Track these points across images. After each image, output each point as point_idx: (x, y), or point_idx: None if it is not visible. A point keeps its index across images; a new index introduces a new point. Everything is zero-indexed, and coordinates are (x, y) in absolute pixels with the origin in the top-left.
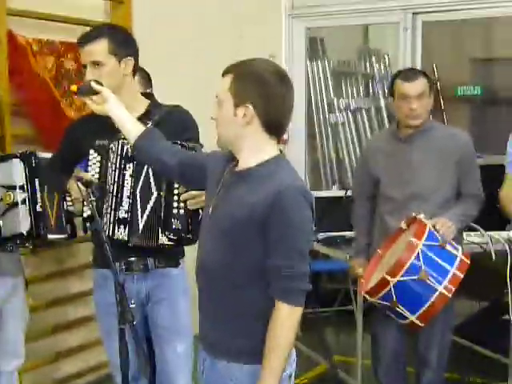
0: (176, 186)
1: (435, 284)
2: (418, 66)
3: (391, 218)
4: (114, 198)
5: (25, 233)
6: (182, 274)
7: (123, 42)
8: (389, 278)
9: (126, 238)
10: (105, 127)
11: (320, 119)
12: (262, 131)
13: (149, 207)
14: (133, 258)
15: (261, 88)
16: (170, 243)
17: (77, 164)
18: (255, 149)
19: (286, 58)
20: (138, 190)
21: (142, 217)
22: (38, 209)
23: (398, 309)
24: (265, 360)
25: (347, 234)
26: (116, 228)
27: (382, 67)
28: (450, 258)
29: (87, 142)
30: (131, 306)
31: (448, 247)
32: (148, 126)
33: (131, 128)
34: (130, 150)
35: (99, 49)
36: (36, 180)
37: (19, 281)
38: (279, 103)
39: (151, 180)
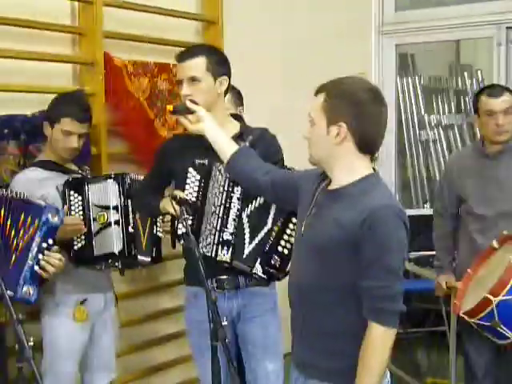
0: (291, 225)
1: None
2: None
3: (481, 237)
4: (220, 220)
5: (117, 253)
6: (272, 292)
7: (219, 61)
8: (491, 297)
9: (228, 260)
10: (204, 147)
11: (410, 136)
12: (355, 150)
13: (259, 236)
14: (224, 276)
15: (354, 106)
16: (262, 276)
17: (168, 183)
18: (348, 167)
19: (375, 74)
20: (245, 215)
21: (250, 243)
22: (130, 230)
23: (499, 329)
24: (358, 381)
25: None
26: (219, 249)
27: (475, 83)
28: None
29: (184, 160)
30: (224, 323)
31: None
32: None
33: (226, 147)
34: None
35: (197, 65)
36: (129, 201)
37: (110, 296)
38: (373, 121)
39: (271, 211)
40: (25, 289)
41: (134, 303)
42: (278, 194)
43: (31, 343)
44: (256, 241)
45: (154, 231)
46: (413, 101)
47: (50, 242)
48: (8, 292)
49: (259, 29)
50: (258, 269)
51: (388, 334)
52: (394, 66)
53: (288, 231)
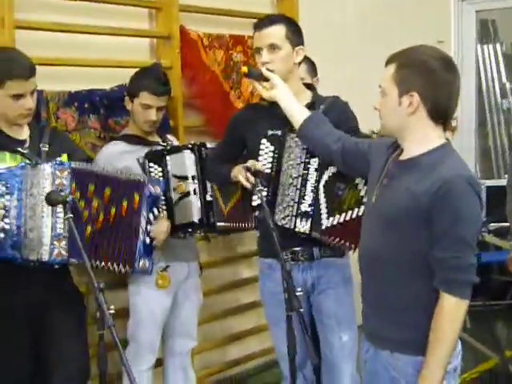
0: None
1: None
2: None
3: None
4: (298, 191)
5: (196, 221)
6: (346, 263)
7: (297, 31)
8: None
9: (307, 231)
10: (277, 117)
11: (492, 105)
12: (427, 120)
13: (345, 214)
14: (298, 248)
15: (426, 76)
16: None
17: (241, 153)
18: (421, 137)
19: (455, 42)
20: (321, 185)
21: (329, 215)
22: (209, 198)
23: None
24: (429, 352)
25: None
26: (298, 221)
27: None
28: None
29: (257, 131)
30: (298, 293)
31: None
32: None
33: (298, 114)
34: None
35: (277, 32)
36: (206, 170)
37: (194, 266)
38: (445, 90)
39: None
40: (141, 263)
41: (213, 273)
42: (347, 161)
43: (112, 311)
44: (342, 218)
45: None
46: (494, 68)
47: (156, 212)
48: (126, 268)
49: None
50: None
51: (460, 305)
52: (473, 33)
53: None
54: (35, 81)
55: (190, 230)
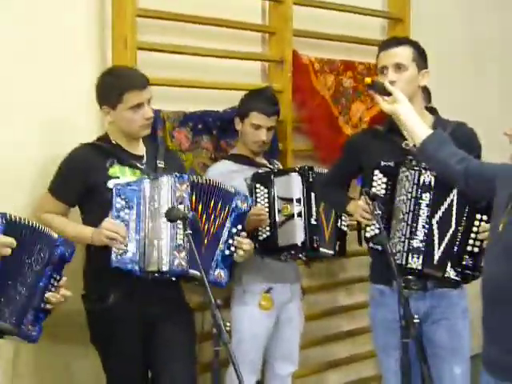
0: (477, 222)
1: None
2: None
3: None
4: (409, 228)
5: (299, 244)
6: (462, 294)
7: (423, 54)
8: None
9: (419, 268)
10: (391, 147)
11: None
12: None
13: (446, 240)
14: (411, 277)
15: None
16: (456, 278)
17: (355, 177)
18: None
19: None
20: (435, 221)
21: (438, 248)
22: (313, 222)
23: None
24: None
25: None
26: (410, 257)
27: None
28: None
29: (371, 157)
30: (416, 320)
31: None
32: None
33: (421, 131)
34: (426, 180)
35: (405, 53)
36: (312, 194)
37: (297, 288)
38: None
39: (453, 212)
40: (217, 272)
41: (314, 298)
42: (470, 184)
43: (228, 328)
44: (443, 244)
45: (339, 224)
46: None
47: (239, 227)
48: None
49: (447, 28)
50: (450, 272)
51: None
52: None
53: (474, 228)
54: (150, 90)
55: (292, 252)
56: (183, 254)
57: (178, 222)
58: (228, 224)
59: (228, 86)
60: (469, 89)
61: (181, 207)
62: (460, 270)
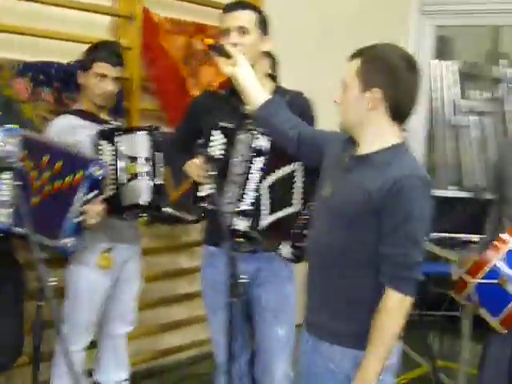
0: None
1: None
2: None
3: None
4: (238, 190)
5: (142, 203)
6: None
7: (265, 21)
8: (468, 277)
9: (246, 230)
10: (232, 111)
11: (441, 120)
12: (387, 117)
13: (281, 213)
14: (242, 239)
15: (390, 73)
16: (289, 257)
17: (196, 140)
18: (378, 134)
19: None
20: (266, 185)
21: (270, 215)
22: (158, 182)
23: (507, 286)
24: (370, 345)
25: (461, 236)
26: (238, 219)
27: None
28: None
29: (211, 120)
30: (243, 280)
31: None
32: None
33: (258, 95)
34: (261, 144)
35: (248, 17)
36: (158, 154)
37: (136, 249)
38: (407, 89)
39: (294, 191)
40: (66, 240)
41: (154, 259)
42: (302, 149)
43: (54, 282)
44: (277, 216)
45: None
46: (447, 85)
47: (93, 193)
48: (47, 241)
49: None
50: (284, 250)
51: (404, 302)
52: (430, 47)
53: None
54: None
55: (136, 211)
56: (7, 210)
57: (4, 176)
58: (81, 191)
59: (75, 38)
60: (312, 62)
61: (9, 160)
62: (295, 251)
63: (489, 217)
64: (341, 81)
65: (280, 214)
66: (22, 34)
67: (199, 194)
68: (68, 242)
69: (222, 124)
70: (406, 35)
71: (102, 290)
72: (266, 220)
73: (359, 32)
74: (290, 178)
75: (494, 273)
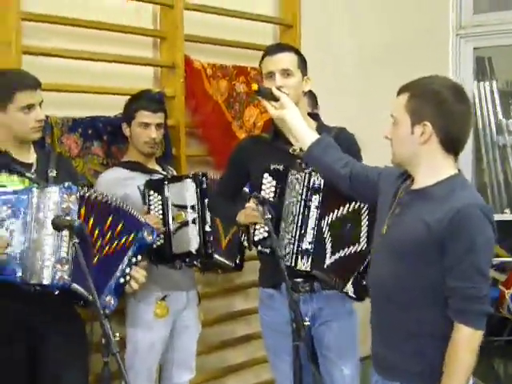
0: None
1: None
2: None
3: None
4: (298, 229)
5: (194, 251)
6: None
7: (305, 61)
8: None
9: (308, 269)
10: (279, 153)
11: (488, 141)
12: (440, 149)
13: (346, 251)
14: (299, 279)
15: (439, 105)
16: (352, 296)
17: (245, 185)
18: (433, 167)
19: (453, 78)
20: (324, 223)
21: (332, 254)
22: (207, 229)
23: None
24: (445, 379)
25: None
26: (299, 258)
27: None
28: None
29: (259, 163)
30: (306, 323)
31: None
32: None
33: (308, 136)
34: (316, 182)
35: (291, 59)
36: (206, 200)
37: (193, 295)
38: (458, 120)
39: (362, 230)
40: (107, 298)
41: (209, 305)
42: (355, 186)
43: (117, 338)
44: (341, 254)
45: (242, 239)
46: (490, 105)
47: (139, 258)
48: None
49: (334, 33)
50: (349, 289)
51: (475, 336)
52: (471, 69)
53: None
54: (41, 94)
55: (187, 259)
56: (66, 267)
57: (64, 233)
58: (130, 252)
59: (119, 91)
60: (357, 94)
61: (68, 217)
62: (359, 289)
63: None
64: (390, 116)
65: (343, 252)
66: (69, 91)
67: (256, 237)
68: (111, 300)
69: (273, 166)
70: (445, 59)
71: (160, 338)
72: (329, 259)
73: (399, 60)
74: (353, 216)
75: None
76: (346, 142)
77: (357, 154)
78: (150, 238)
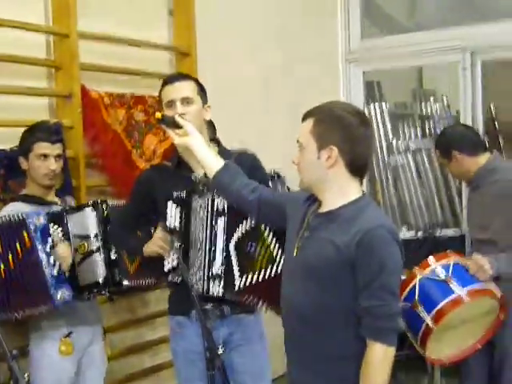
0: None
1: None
2: (479, 106)
3: None
4: (208, 254)
5: (101, 281)
6: (258, 318)
7: (204, 90)
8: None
9: (220, 294)
10: (182, 181)
11: (379, 162)
12: (346, 173)
13: (256, 273)
14: (208, 306)
15: (344, 130)
16: (267, 309)
17: (147, 213)
18: (340, 190)
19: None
20: (231, 246)
21: (240, 276)
22: (113, 256)
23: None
24: None
25: None
26: (211, 284)
27: (438, 107)
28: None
29: (163, 192)
30: (219, 351)
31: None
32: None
33: (213, 163)
34: (220, 205)
35: (190, 87)
36: (108, 227)
37: (98, 330)
38: (362, 144)
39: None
40: (59, 294)
41: (117, 336)
42: (264, 212)
43: (26, 378)
44: (254, 276)
45: None
46: (380, 127)
47: (50, 240)
48: (47, 305)
49: (232, 62)
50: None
51: (388, 353)
52: (361, 92)
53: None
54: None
55: (95, 290)
56: None
57: None
58: (39, 246)
59: (14, 124)
60: (257, 117)
61: None
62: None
63: None
64: (296, 141)
65: (255, 275)
66: None
67: (166, 267)
68: (62, 294)
69: (176, 194)
70: (336, 83)
71: (66, 375)
72: (238, 280)
73: (294, 83)
74: (253, 233)
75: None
76: (247, 163)
77: (259, 174)
78: (41, 219)
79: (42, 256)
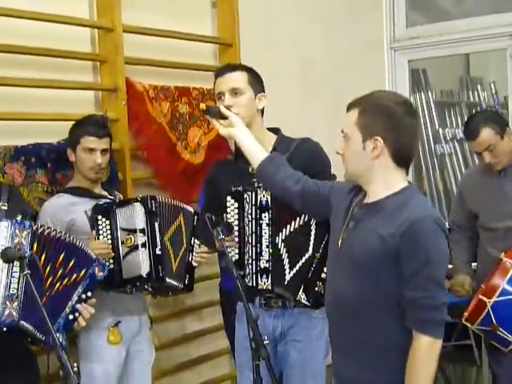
0: None
1: None
2: None
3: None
4: (254, 249)
5: (144, 275)
6: (320, 317)
7: (258, 78)
8: (485, 299)
9: (270, 288)
10: (240, 174)
11: (426, 150)
12: (391, 163)
13: (300, 263)
14: (272, 294)
15: (389, 120)
16: (306, 303)
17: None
18: (385, 181)
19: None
20: (279, 240)
21: (290, 269)
22: (158, 252)
23: (499, 332)
24: None
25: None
26: (259, 278)
27: (486, 95)
28: None
29: (224, 186)
30: (265, 342)
31: None
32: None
33: (256, 154)
34: (263, 199)
35: (240, 77)
36: (156, 224)
37: (144, 319)
38: (408, 134)
39: (311, 237)
40: (58, 335)
41: (162, 328)
42: (307, 203)
43: (75, 368)
44: (297, 267)
45: (190, 259)
46: (427, 116)
47: (89, 294)
48: (39, 335)
49: (275, 51)
50: (301, 296)
51: (434, 345)
52: (407, 81)
53: None
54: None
55: (137, 284)
56: (15, 303)
57: (14, 269)
58: (80, 289)
59: (61, 117)
60: (300, 106)
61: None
62: (312, 296)
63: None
64: (341, 131)
65: (298, 265)
66: (9, 119)
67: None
68: (60, 337)
69: (234, 188)
70: (381, 73)
71: (115, 364)
72: (288, 274)
73: (339, 74)
74: (304, 230)
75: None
76: (307, 152)
77: (320, 163)
78: (101, 274)
79: (74, 299)
